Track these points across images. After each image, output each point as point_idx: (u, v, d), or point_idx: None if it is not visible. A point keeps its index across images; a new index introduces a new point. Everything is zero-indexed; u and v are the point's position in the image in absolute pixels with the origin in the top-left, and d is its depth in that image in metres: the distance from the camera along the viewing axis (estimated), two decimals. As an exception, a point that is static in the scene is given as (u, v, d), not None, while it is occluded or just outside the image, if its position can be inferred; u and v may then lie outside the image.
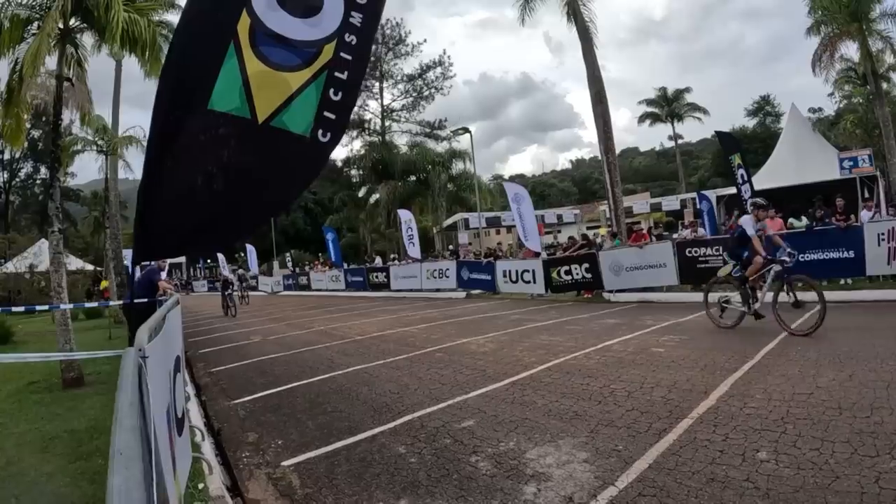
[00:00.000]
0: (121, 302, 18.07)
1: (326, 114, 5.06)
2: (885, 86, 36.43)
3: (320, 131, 5.05)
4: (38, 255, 38.94)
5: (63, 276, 11.84)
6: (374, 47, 59.52)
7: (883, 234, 15.16)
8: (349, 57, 5.16)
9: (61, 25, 11.88)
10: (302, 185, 6.27)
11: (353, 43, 5.16)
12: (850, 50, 33.82)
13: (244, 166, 4.85)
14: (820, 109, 63.13)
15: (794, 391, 6.63)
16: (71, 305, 12.57)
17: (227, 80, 4.73)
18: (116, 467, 1.22)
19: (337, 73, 5.09)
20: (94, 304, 21.87)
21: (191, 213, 4.90)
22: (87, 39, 13.69)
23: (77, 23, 12.61)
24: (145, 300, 10.92)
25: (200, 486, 5.05)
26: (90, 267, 48.77)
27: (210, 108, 4.68)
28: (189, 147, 4.69)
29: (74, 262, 44.67)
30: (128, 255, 38.21)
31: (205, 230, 5.15)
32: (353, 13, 5.14)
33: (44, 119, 32.09)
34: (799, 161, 33.57)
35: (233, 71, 4.75)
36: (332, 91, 5.08)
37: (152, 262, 13.34)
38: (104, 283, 32.03)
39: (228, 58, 4.73)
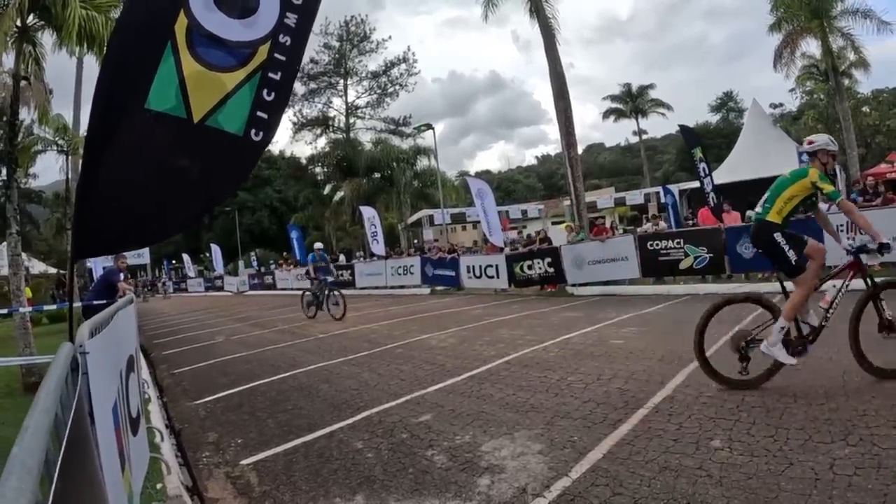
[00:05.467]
0: (78, 304, 17.86)
1: (259, 113, 5.08)
2: (846, 82, 37.05)
3: (253, 130, 5.07)
4: (-1, 258, 38.41)
5: (22, 279, 11.72)
6: (338, 44, 59.38)
7: (842, 225, 15.33)
8: (283, 58, 5.18)
9: (19, 23, 11.74)
10: (235, 183, 6.36)
11: (287, 44, 5.18)
12: (812, 47, 34.49)
13: (179, 165, 4.85)
14: (781, 105, 63.76)
15: (749, 380, 6.70)
16: (30, 309, 12.45)
17: (163, 80, 4.72)
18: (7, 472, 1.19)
19: (270, 74, 5.12)
20: (54, 307, 21.64)
21: (126, 210, 4.87)
22: (47, 39, 13.55)
23: (34, 21, 12.46)
24: (104, 301, 10.80)
25: (158, 486, 5.02)
26: (53, 270, 48.03)
27: (147, 107, 4.68)
28: (125, 146, 4.66)
29: (37, 266, 43.98)
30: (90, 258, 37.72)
31: (140, 227, 5.14)
32: (287, 14, 5.14)
33: (3, 119, 31.64)
34: (760, 155, 34.01)
35: (169, 71, 4.74)
36: (265, 91, 5.10)
37: (111, 264, 13.25)
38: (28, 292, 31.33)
39: (165, 58, 4.72)
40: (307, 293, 20.63)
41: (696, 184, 22.27)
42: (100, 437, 2.68)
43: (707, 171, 19.73)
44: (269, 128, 5.18)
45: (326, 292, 19.55)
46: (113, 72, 4.78)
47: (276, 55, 5.15)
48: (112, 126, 4.60)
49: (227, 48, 4.95)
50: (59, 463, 1.51)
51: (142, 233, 5.41)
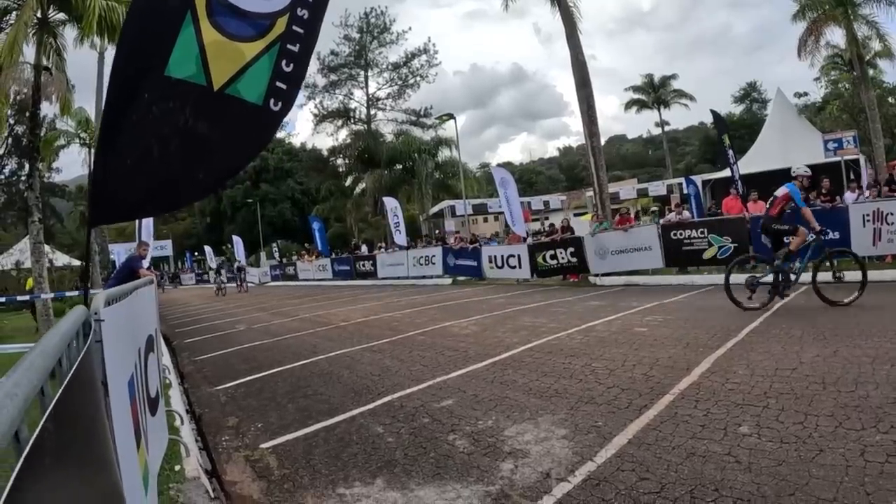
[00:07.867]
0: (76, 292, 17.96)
1: (278, 84, 5.22)
2: (871, 72, 36.60)
3: (272, 100, 5.21)
4: (24, 251, 38.69)
5: (44, 267, 11.78)
6: (358, 36, 59.48)
7: (868, 215, 15.16)
8: (301, 30, 5.31)
9: (39, 14, 11.78)
10: (253, 152, 6.48)
11: (305, 17, 5.31)
12: (836, 36, 34.05)
13: (199, 132, 4.93)
14: (806, 94, 63.07)
15: (777, 367, 6.60)
16: (52, 294, 12.49)
17: (184, 48, 4.79)
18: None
19: (289, 46, 5.25)
20: (76, 293, 21.76)
21: (145, 177, 4.93)
22: (70, 32, 13.61)
23: (54, 12, 12.51)
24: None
25: (177, 468, 5.01)
26: (77, 262, 48.36)
27: (167, 74, 4.73)
28: (145, 112, 4.73)
29: (62, 258, 44.30)
30: (114, 248, 37.97)
31: (159, 192, 5.20)
32: None
33: (27, 114, 31.95)
34: (784, 145, 33.64)
35: (189, 39, 4.82)
36: (284, 62, 5.23)
37: (133, 250, 13.30)
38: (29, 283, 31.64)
39: (185, 26, 4.79)
40: (742, 262, 12.41)
41: (719, 175, 22.29)
42: (114, 410, 2.63)
43: (735, 159, 19.66)
44: (288, 98, 5.30)
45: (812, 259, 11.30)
46: (133, 38, 4.87)
47: (295, 27, 5.25)
48: (131, 91, 4.66)
49: (246, 18, 5.02)
50: (52, 406, 1.42)
51: (160, 199, 5.49)
